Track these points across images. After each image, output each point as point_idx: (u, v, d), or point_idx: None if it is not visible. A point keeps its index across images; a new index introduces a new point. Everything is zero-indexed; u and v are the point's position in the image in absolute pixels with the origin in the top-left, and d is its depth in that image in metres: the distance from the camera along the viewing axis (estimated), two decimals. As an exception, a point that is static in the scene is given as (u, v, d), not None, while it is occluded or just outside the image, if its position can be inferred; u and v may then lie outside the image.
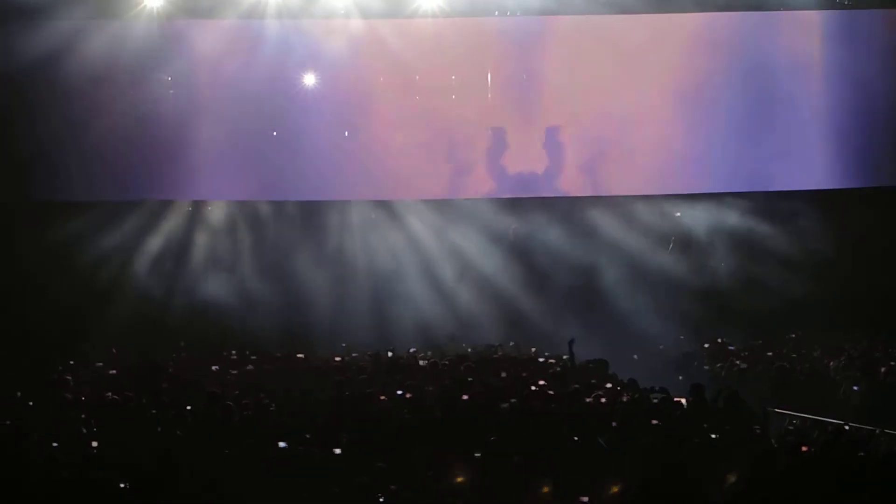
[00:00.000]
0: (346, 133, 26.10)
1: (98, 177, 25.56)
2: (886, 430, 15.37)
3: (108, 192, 25.79)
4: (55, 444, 13.19)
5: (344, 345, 22.16)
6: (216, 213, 26.86)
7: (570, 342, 19.61)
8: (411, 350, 21.05)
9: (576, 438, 12.96)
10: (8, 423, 14.30)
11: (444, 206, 26.66)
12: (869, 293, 24.97)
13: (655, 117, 25.95)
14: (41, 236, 25.04)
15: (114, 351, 21.56)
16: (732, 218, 26.46)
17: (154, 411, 15.06)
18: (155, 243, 25.97)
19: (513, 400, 15.14)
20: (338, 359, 19.98)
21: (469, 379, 16.81)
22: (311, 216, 26.80)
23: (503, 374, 17.73)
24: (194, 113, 25.51)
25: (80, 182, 25.51)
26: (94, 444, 13.46)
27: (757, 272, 25.99)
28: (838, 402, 18.04)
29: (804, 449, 12.30)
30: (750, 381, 19.70)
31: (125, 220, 25.74)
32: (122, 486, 11.65)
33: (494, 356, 20.35)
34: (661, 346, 22.53)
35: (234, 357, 20.55)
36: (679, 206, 26.88)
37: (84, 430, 14.26)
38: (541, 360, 19.74)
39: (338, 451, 12.66)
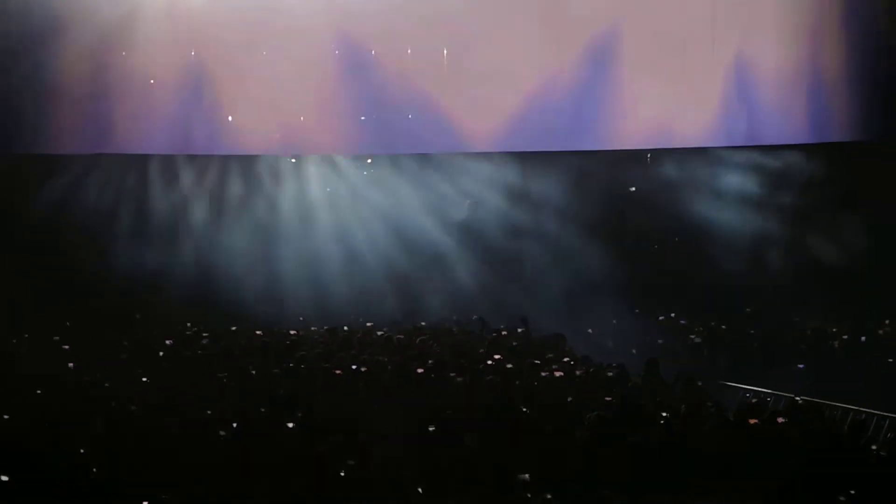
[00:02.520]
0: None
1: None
2: (838, 405, 15.57)
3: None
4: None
5: (301, 318, 22.07)
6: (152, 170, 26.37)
7: (524, 318, 19.64)
8: (367, 324, 21.02)
9: (525, 409, 13.03)
10: None
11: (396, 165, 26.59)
12: (825, 266, 25.06)
13: (611, 70, 25.56)
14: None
15: (67, 324, 21.39)
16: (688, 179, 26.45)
17: (106, 384, 15.04)
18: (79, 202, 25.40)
19: (453, 375, 15.24)
20: (293, 332, 19.93)
21: (431, 360, 16.74)
22: (252, 173, 26.45)
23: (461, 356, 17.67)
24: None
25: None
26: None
27: (710, 243, 26.03)
28: (792, 377, 18.23)
29: (752, 422, 12.41)
30: (704, 356, 19.86)
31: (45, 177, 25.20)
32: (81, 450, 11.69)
33: (450, 330, 20.36)
34: (615, 321, 22.59)
35: (189, 333, 20.41)
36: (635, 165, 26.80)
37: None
38: (493, 334, 19.77)
39: (290, 424, 12.64)
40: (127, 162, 25.77)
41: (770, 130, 25.97)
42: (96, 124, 24.75)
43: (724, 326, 21.69)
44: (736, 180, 26.35)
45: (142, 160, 25.94)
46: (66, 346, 18.74)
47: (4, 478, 10.72)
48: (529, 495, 10.41)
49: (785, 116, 25.93)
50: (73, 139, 24.88)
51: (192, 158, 26.11)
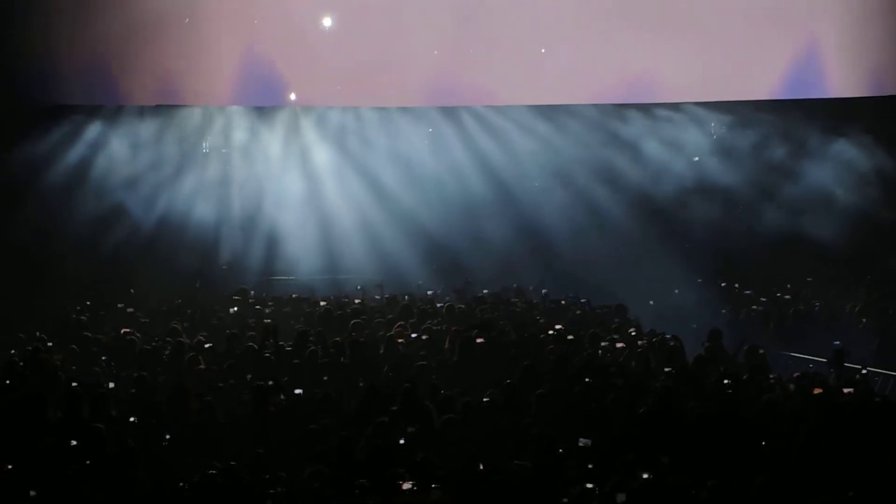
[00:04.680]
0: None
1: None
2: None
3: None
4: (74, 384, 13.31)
5: (359, 287, 22.05)
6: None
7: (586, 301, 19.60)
8: (429, 293, 21.03)
9: (587, 380, 13.01)
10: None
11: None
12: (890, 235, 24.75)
13: (629, 22, 25.24)
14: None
15: (132, 291, 21.55)
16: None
17: (167, 352, 15.16)
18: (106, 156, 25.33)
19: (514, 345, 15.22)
20: (357, 301, 19.97)
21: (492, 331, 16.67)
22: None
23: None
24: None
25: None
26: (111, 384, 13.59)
27: (771, 212, 25.79)
28: (856, 347, 18.04)
29: (816, 391, 12.34)
30: (768, 326, 19.71)
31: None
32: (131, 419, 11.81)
33: (511, 300, 20.35)
34: (677, 291, 22.43)
35: (252, 300, 20.53)
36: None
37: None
38: (552, 305, 19.75)
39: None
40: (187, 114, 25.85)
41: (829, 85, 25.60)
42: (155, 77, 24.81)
43: (787, 297, 21.52)
44: (800, 148, 26.09)
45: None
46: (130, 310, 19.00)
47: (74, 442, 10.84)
48: (591, 465, 10.39)
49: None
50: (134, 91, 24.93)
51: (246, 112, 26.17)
